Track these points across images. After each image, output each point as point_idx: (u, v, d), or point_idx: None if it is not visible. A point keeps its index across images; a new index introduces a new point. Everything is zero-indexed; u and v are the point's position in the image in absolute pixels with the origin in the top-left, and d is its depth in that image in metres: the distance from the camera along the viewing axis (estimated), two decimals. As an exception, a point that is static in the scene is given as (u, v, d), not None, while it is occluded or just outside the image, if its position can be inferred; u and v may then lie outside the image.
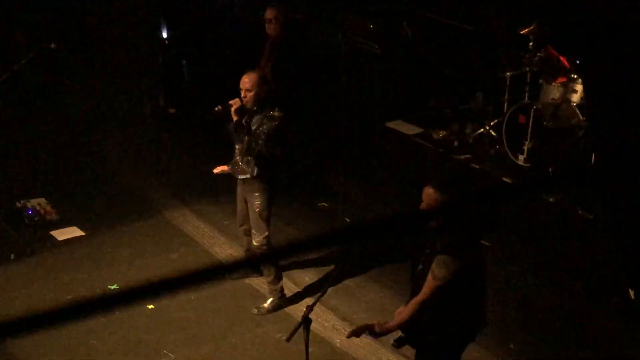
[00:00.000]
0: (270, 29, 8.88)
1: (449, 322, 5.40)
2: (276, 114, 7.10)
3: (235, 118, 7.10)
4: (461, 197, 5.43)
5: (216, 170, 7.49)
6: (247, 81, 7.10)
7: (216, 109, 7.21)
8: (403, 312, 5.41)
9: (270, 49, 8.95)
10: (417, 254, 5.55)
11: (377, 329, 5.42)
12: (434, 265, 5.25)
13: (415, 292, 5.50)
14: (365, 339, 7.02)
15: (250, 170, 7.17)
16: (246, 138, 7.10)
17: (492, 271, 7.43)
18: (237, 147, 7.23)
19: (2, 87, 8.66)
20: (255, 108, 7.11)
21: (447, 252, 5.24)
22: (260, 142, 7.06)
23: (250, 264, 7.20)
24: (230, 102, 7.10)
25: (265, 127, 7.06)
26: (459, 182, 5.66)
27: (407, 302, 5.61)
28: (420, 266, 5.44)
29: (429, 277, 5.26)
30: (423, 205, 5.36)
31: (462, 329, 5.49)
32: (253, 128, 7.10)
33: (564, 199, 8.73)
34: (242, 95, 7.10)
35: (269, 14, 8.85)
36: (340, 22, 11.32)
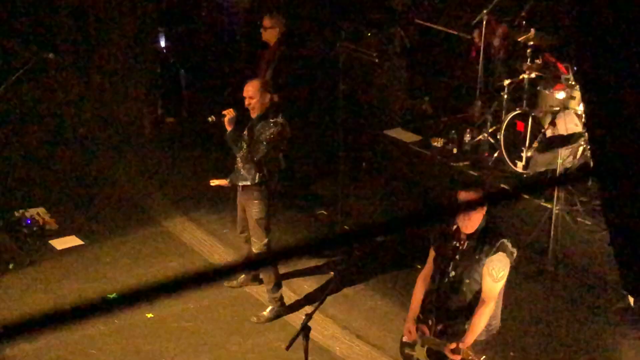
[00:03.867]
0: (268, 36, 8.92)
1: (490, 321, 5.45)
2: (279, 120, 7.13)
3: (229, 128, 7.14)
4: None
5: (213, 183, 7.50)
6: (250, 89, 7.15)
7: (210, 119, 7.28)
8: (475, 324, 5.36)
9: (268, 57, 8.97)
10: (443, 262, 5.54)
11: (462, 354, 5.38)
12: (490, 268, 5.30)
13: (442, 300, 5.49)
14: (364, 347, 7.03)
15: (251, 177, 7.19)
16: (245, 145, 7.13)
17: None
18: (237, 155, 7.25)
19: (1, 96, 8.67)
20: (258, 115, 7.14)
21: (499, 251, 5.32)
22: (261, 149, 7.07)
23: (247, 266, 7.19)
24: (224, 112, 7.15)
25: (266, 134, 7.08)
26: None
27: (426, 312, 5.59)
28: (453, 273, 5.45)
29: (489, 281, 5.32)
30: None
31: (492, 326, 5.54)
32: (255, 135, 7.12)
33: (563, 205, 8.72)
34: (246, 102, 7.14)
35: (267, 22, 8.90)
36: (338, 30, 11.35)
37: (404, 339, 5.66)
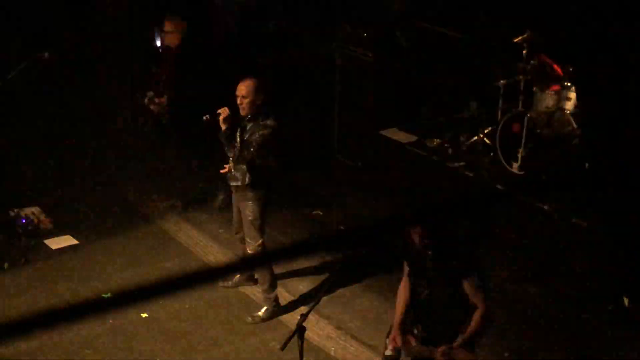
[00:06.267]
0: (170, 40, 8.83)
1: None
2: (269, 122, 7.10)
3: (223, 127, 7.12)
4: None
5: (224, 171, 7.41)
6: (242, 88, 7.11)
7: (205, 118, 7.26)
8: (472, 329, 5.37)
9: (172, 61, 8.91)
10: (417, 278, 5.53)
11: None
12: (472, 281, 5.28)
13: (426, 311, 5.49)
14: (359, 347, 7.02)
15: (242, 178, 7.17)
16: (237, 146, 7.11)
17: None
18: (229, 155, 7.24)
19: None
20: (249, 115, 7.12)
21: (473, 265, 5.35)
22: (251, 150, 7.06)
23: (241, 267, 7.22)
24: (219, 110, 7.13)
25: (256, 135, 7.06)
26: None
27: (410, 322, 5.58)
28: (426, 292, 5.45)
29: (477, 292, 5.33)
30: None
31: None
32: (245, 137, 7.11)
33: (558, 207, 8.74)
34: (238, 102, 7.12)
35: (167, 26, 8.82)
36: (334, 31, 11.35)
37: (387, 351, 5.64)
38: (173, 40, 8.81)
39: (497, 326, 7.13)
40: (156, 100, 8.89)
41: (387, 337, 5.71)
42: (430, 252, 5.36)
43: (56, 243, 8.52)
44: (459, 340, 5.34)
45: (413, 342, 5.50)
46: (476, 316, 5.36)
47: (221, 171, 7.45)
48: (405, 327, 5.59)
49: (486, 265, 7.63)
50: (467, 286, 5.33)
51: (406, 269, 5.65)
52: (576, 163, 9.05)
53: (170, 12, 9.18)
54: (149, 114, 9.18)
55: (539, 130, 9.36)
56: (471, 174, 9.77)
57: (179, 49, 8.81)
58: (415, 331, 5.53)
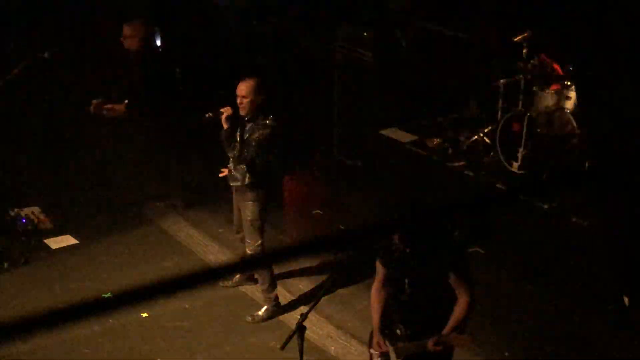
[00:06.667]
0: (130, 45, 8.83)
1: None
2: (269, 122, 7.11)
3: (225, 126, 7.13)
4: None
5: (222, 175, 7.44)
6: (243, 88, 7.11)
7: (207, 115, 7.27)
8: (459, 316, 5.37)
9: (134, 64, 8.92)
10: (396, 277, 5.50)
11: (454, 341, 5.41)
12: (454, 267, 5.30)
13: (407, 310, 5.47)
14: (359, 346, 7.03)
15: (242, 178, 7.18)
16: (238, 146, 7.12)
17: (487, 279, 7.44)
18: (229, 155, 7.25)
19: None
20: (250, 115, 7.12)
21: (451, 249, 5.33)
22: (251, 150, 7.07)
23: (241, 267, 7.19)
24: (222, 109, 7.14)
25: (256, 135, 7.07)
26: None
27: (391, 323, 5.56)
28: (409, 290, 5.43)
29: (458, 278, 5.33)
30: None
31: None
32: (245, 136, 7.11)
33: (558, 206, 8.74)
34: (239, 101, 7.12)
35: (127, 31, 8.80)
36: (334, 30, 11.35)
37: (374, 356, 5.63)
38: (132, 44, 8.78)
39: (497, 325, 7.14)
40: (109, 105, 8.84)
41: (370, 347, 5.71)
42: (409, 250, 5.34)
43: (56, 243, 8.52)
44: (448, 328, 5.35)
45: (400, 343, 5.50)
46: (462, 305, 5.37)
47: (220, 174, 7.46)
48: (386, 331, 5.57)
49: (485, 265, 7.66)
50: (451, 278, 5.33)
51: (380, 273, 5.62)
52: (576, 163, 9.05)
53: (136, 15, 9.14)
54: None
55: (538, 130, 9.36)
56: (471, 174, 9.77)
57: (139, 54, 8.79)
58: (399, 331, 5.52)
